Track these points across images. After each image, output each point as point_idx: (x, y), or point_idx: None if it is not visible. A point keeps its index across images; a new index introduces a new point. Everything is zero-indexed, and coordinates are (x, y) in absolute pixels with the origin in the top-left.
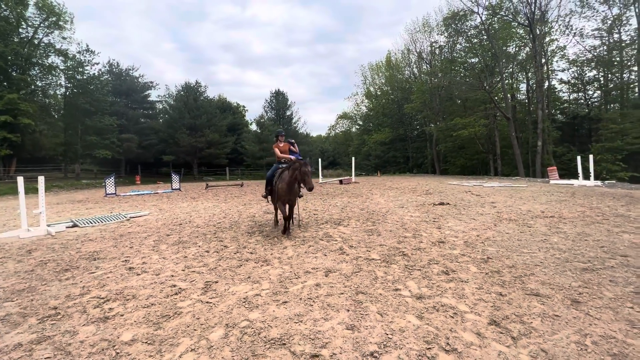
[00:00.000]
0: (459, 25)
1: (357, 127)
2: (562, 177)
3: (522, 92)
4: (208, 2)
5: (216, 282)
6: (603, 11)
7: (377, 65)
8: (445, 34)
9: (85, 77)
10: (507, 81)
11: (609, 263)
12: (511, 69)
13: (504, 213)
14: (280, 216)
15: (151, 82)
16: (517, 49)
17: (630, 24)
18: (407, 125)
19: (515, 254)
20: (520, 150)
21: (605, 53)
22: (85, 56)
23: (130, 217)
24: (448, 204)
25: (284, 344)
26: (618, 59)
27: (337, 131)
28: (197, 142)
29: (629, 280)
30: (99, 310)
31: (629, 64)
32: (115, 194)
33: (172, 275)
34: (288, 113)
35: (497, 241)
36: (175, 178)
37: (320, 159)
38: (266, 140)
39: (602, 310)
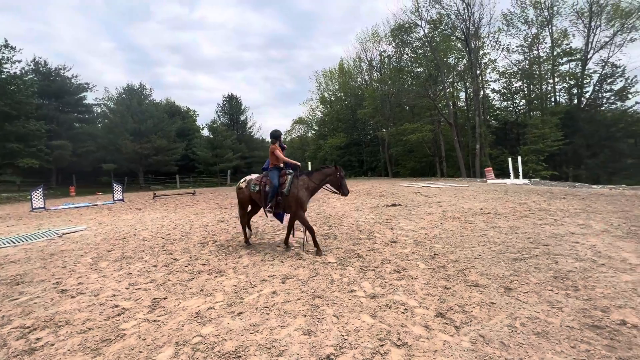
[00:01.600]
0: (405, 36)
1: (312, 132)
2: (497, 176)
3: (462, 100)
4: (152, 1)
5: (165, 298)
6: (524, 30)
7: (330, 71)
8: (393, 44)
9: (4, 76)
10: (448, 90)
11: (534, 252)
12: (452, 79)
13: (449, 212)
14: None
15: (87, 84)
16: (456, 61)
17: (546, 42)
18: (361, 130)
19: (458, 249)
20: (462, 153)
21: (527, 67)
22: (3, 53)
23: (64, 234)
24: (400, 205)
25: (239, 356)
26: (537, 72)
27: (293, 136)
28: (142, 148)
29: (549, 266)
30: (24, 341)
31: (546, 76)
32: (44, 208)
33: (114, 295)
34: (242, 118)
35: (443, 238)
36: (117, 188)
37: None
38: (219, 146)
39: (529, 295)
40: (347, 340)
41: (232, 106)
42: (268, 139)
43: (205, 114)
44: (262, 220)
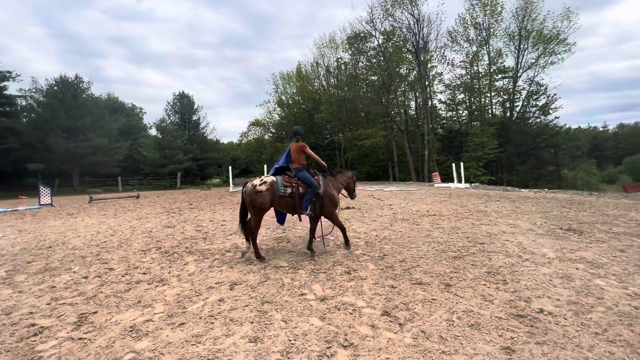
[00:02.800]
0: (360, 45)
1: (270, 134)
2: (443, 181)
3: (412, 108)
4: None
5: (95, 312)
6: (466, 47)
7: (288, 75)
8: (349, 52)
9: None
10: (400, 98)
11: (472, 250)
12: (403, 88)
13: (399, 214)
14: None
15: (9, 72)
16: (407, 71)
17: (484, 60)
18: (318, 134)
19: (405, 250)
20: (412, 158)
21: (469, 81)
22: None
23: None
24: (354, 207)
25: None
26: (477, 86)
27: (249, 138)
28: (78, 147)
29: (484, 262)
30: None
31: (484, 90)
32: None
33: (31, 313)
34: (195, 118)
35: (392, 239)
36: (45, 191)
37: (230, 167)
38: (169, 147)
39: (465, 290)
40: (294, 344)
41: (184, 105)
42: (223, 139)
43: (154, 112)
44: (212, 224)
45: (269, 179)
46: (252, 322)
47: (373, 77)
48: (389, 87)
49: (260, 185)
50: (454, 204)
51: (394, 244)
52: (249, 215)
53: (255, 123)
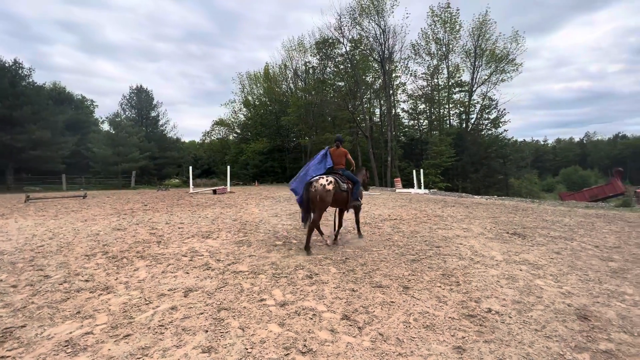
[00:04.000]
0: (328, 51)
1: (234, 135)
2: (405, 186)
3: (377, 116)
4: None
5: (23, 326)
6: (428, 60)
7: (255, 75)
8: (317, 57)
9: None
10: (366, 105)
11: (429, 253)
12: (369, 96)
13: (361, 218)
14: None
15: None
16: (373, 80)
17: (444, 74)
18: (285, 137)
19: (367, 253)
20: (376, 164)
21: (430, 92)
22: None
23: None
24: None
25: None
26: (437, 98)
27: (212, 138)
28: (14, 140)
29: (439, 265)
30: None
31: (443, 102)
32: None
33: None
34: (153, 114)
35: (354, 242)
36: None
37: (191, 167)
38: (123, 143)
39: (422, 292)
40: (250, 353)
41: (142, 100)
42: (185, 138)
43: (107, 106)
44: (168, 227)
45: (331, 178)
46: (207, 331)
47: (340, 83)
48: (355, 93)
49: (328, 185)
50: (414, 209)
51: (356, 248)
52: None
53: (220, 122)
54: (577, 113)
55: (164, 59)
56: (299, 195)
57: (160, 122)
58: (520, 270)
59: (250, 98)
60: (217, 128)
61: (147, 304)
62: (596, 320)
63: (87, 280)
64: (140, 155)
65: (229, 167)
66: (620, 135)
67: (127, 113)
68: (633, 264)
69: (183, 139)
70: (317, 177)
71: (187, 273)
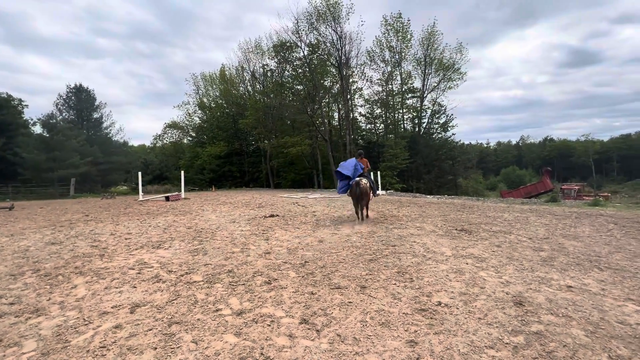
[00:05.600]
0: (286, 54)
1: (189, 138)
2: None
3: (335, 119)
4: None
5: None
6: (383, 67)
7: (211, 76)
8: (275, 60)
9: None
10: (325, 109)
11: (385, 252)
12: (327, 100)
13: (321, 220)
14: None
15: None
16: (331, 84)
17: (397, 80)
18: (243, 140)
19: (326, 255)
20: (335, 166)
21: (385, 97)
22: None
23: None
24: (277, 215)
25: None
26: (392, 103)
27: (165, 141)
28: None
29: (395, 263)
30: None
31: (397, 107)
32: None
33: None
34: (96, 115)
35: (314, 246)
36: None
37: (140, 173)
38: (59, 148)
39: (378, 291)
40: None
41: (82, 100)
42: (134, 142)
43: (39, 106)
44: (114, 238)
45: (364, 179)
46: (156, 348)
47: (299, 87)
48: (314, 97)
49: (365, 183)
50: (372, 210)
51: (315, 251)
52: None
53: (172, 125)
54: (513, 118)
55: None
56: (344, 186)
57: (105, 125)
58: (467, 263)
59: (205, 100)
60: (169, 131)
61: (86, 324)
62: (529, 305)
63: (12, 304)
64: (80, 161)
65: (183, 172)
66: (548, 138)
67: (64, 114)
68: (559, 252)
69: (131, 142)
70: (360, 178)
71: (135, 287)
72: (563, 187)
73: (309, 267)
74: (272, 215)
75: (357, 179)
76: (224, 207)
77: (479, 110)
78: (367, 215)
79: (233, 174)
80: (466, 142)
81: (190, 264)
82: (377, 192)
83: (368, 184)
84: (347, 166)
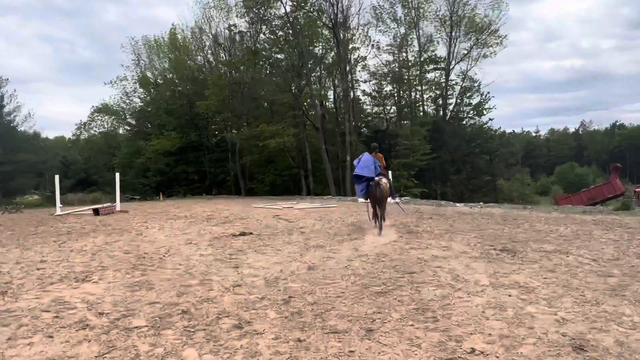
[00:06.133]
0: (261, 11)
1: (127, 128)
2: None
3: (330, 100)
4: None
5: None
6: (394, 28)
7: (157, 42)
8: (247, 19)
9: None
10: (315, 86)
11: (399, 282)
12: (319, 73)
13: (312, 239)
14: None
15: None
16: (323, 52)
17: (414, 46)
18: (203, 129)
19: (318, 287)
20: (331, 164)
21: (397, 70)
22: None
23: None
24: (251, 233)
25: None
26: (407, 76)
27: (93, 132)
28: None
29: (412, 297)
30: None
31: (415, 83)
32: None
33: None
34: None
35: (301, 274)
36: None
37: (58, 176)
38: None
39: (390, 334)
40: None
41: None
42: (48, 134)
43: None
44: (20, 268)
45: (384, 179)
46: None
47: (279, 56)
48: (300, 70)
49: (386, 183)
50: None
51: (304, 281)
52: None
53: (104, 109)
54: (570, 97)
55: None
56: (363, 187)
57: (6, 109)
58: (510, 295)
59: (150, 74)
60: (99, 117)
61: None
62: (593, 350)
63: None
64: None
65: (118, 174)
66: (617, 124)
67: None
68: (632, 278)
69: (45, 134)
70: (380, 177)
71: (51, 337)
72: (638, 189)
73: (295, 305)
74: (243, 234)
75: (377, 179)
76: (176, 223)
77: (524, 86)
78: (382, 221)
79: (189, 177)
80: (508, 131)
81: (130, 303)
82: (396, 197)
83: (388, 185)
84: (365, 165)
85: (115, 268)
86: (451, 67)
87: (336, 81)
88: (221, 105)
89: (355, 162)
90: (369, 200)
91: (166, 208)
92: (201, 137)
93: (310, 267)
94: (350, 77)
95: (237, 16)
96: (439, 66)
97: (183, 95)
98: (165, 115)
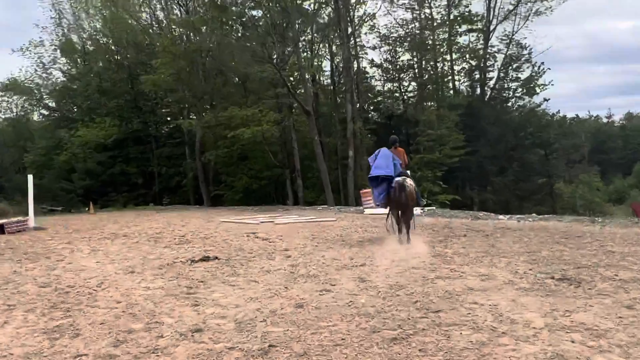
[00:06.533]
0: None
1: (43, 112)
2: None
3: (326, 74)
4: None
5: None
6: None
7: None
8: None
9: None
10: (305, 54)
11: (421, 324)
12: (310, 36)
13: (301, 265)
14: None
15: None
16: (316, 7)
17: (441, 0)
18: (149, 114)
19: (309, 332)
20: (326, 162)
21: (418, 32)
22: None
23: None
24: (217, 258)
25: None
26: (431, 41)
27: None
28: None
29: (439, 345)
30: None
31: (442, 50)
32: None
33: None
34: None
35: (287, 314)
36: None
37: None
38: None
39: None
40: None
41: None
42: None
43: None
44: None
45: (408, 179)
46: None
47: (255, 12)
48: (284, 32)
49: (411, 185)
50: (397, 242)
51: (290, 324)
52: None
53: (11, 87)
54: None
55: None
56: (382, 191)
57: None
58: (572, 342)
59: (76, 38)
60: (5, 98)
61: None
62: None
63: None
64: None
65: (31, 177)
66: None
67: None
68: None
69: None
70: (404, 178)
71: None
72: None
73: (277, 356)
74: (206, 259)
75: (400, 179)
76: (113, 245)
77: (592, 55)
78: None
79: (131, 180)
80: (569, 115)
81: (47, 356)
82: (421, 202)
83: (414, 187)
84: (382, 163)
85: (27, 307)
86: (492, 28)
87: (334, 48)
88: (175, 81)
89: (370, 159)
90: (388, 208)
91: (99, 224)
92: (147, 126)
93: (298, 304)
94: (353, 41)
95: None
96: (474, 27)
97: (122, 68)
98: (97, 95)
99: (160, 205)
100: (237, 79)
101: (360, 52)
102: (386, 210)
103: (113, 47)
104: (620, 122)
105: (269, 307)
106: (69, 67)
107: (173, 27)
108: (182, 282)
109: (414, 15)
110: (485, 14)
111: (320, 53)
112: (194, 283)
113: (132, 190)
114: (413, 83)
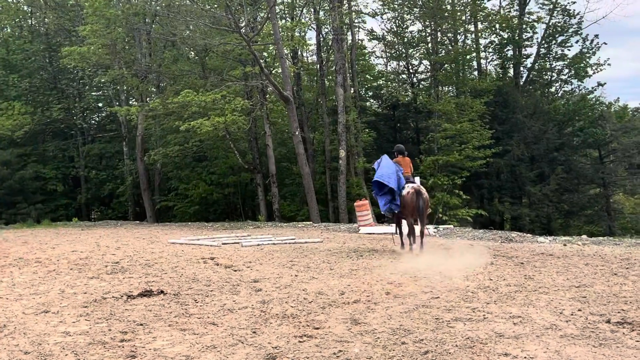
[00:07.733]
0: None
1: None
2: (380, 218)
3: (311, 49)
4: None
5: None
6: None
7: None
8: None
9: None
10: (283, 22)
11: None
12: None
13: (275, 302)
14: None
15: None
16: None
17: None
18: (74, 98)
19: None
20: (311, 165)
21: None
22: None
23: None
24: (162, 292)
25: None
26: (448, 6)
27: None
28: None
29: None
30: None
31: (462, 17)
32: None
33: None
34: None
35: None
36: None
37: None
38: None
39: None
40: None
41: None
42: None
43: None
44: None
45: (420, 187)
46: None
47: None
48: None
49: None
50: (400, 273)
51: None
52: None
53: None
54: None
55: None
56: (388, 199)
57: None
58: None
59: None
60: None
61: None
62: None
63: None
64: None
65: None
66: None
67: None
68: None
69: None
70: (419, 186)
71: None
72: None
73: None
74: (147, 293)
75: (415, 185)
76: (20, 275)
77: None
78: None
79: (48, 187)
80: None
81: None
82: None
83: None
84: (386, 173)
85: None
86: None
87: (321, 14)
88: (110, 54)
89: (375, 165)
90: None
91: (2, 245)
92: (71, 114)
93: (270, 355)
94: (347, 5)
95: None
96: None
97: (38, 36)
98: (2, 71)
99: (87, 220)
100: (192, 53)
101: (356, 20)
102: (388, 229)
103: (25, 7)
104: None
105: (230, 359)
106: None
107: None
108: (115, 325)
109: None
110: None
111: (303, 21)
112: (131, 326)
113: (49, 200)
114: (425, 62)
